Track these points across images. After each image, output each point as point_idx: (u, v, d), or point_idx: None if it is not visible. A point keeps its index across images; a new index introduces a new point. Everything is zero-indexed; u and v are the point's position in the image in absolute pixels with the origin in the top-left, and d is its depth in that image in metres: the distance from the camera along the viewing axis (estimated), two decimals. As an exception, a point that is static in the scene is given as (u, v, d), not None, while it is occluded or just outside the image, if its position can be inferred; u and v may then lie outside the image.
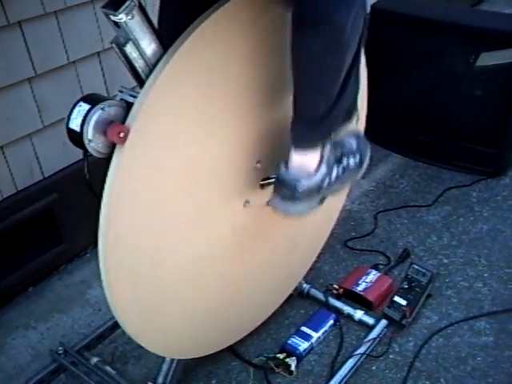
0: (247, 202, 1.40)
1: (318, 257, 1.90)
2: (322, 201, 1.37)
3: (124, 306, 1.24)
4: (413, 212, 2.24)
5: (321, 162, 1.28)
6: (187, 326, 1.45)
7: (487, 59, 2.32)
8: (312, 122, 1.23)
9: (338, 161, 1.34)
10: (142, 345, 1.35)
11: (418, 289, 1.77)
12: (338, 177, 1.34)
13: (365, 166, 1.41)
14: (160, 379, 1.51)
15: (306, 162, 1.26)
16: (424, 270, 1.79)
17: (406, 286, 1.78)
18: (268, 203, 1.34)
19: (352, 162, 1.37)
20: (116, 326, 1.69)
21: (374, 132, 1.88)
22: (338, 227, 1.99)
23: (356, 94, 1.35)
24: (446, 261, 1.99)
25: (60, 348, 1.64)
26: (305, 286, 1.86)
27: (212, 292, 1.46)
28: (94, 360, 1.63)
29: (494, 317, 1.78)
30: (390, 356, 1.68)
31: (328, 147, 1.29)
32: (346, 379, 1.59)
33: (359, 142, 1.40)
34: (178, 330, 1.43)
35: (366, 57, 1.60)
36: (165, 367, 1.51)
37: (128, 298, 1.24)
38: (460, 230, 2.13)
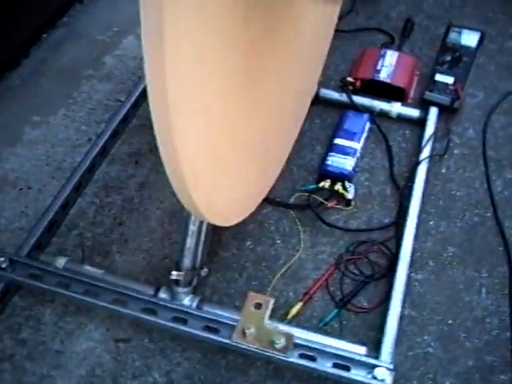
0: None
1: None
2: None
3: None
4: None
5: None
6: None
7: None
8: None
9: None
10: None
11: (465, 58, 1.32)
12: None
13: None
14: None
15: None
16: (469, 31, 1.34)
17: (448, 58, 1.33)
18: None
19: None
20: (68, 203, 1.07)
21: None
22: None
23: None
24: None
25: (1, 259, 0.98)
26: (313, 87, 1.33)
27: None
28: (61, 262, 1.01)
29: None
30: (455, 151, 1.27)
31: None
32: (422, 190, 1.16)
33: None
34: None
35: None
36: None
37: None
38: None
